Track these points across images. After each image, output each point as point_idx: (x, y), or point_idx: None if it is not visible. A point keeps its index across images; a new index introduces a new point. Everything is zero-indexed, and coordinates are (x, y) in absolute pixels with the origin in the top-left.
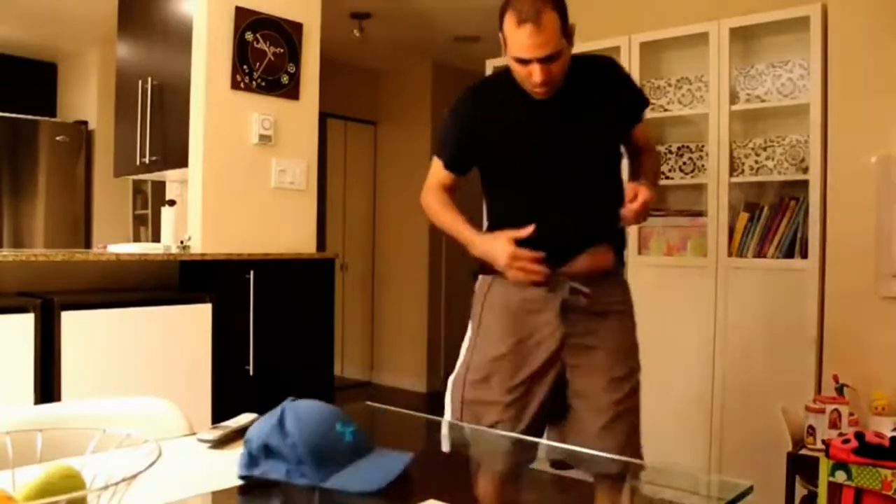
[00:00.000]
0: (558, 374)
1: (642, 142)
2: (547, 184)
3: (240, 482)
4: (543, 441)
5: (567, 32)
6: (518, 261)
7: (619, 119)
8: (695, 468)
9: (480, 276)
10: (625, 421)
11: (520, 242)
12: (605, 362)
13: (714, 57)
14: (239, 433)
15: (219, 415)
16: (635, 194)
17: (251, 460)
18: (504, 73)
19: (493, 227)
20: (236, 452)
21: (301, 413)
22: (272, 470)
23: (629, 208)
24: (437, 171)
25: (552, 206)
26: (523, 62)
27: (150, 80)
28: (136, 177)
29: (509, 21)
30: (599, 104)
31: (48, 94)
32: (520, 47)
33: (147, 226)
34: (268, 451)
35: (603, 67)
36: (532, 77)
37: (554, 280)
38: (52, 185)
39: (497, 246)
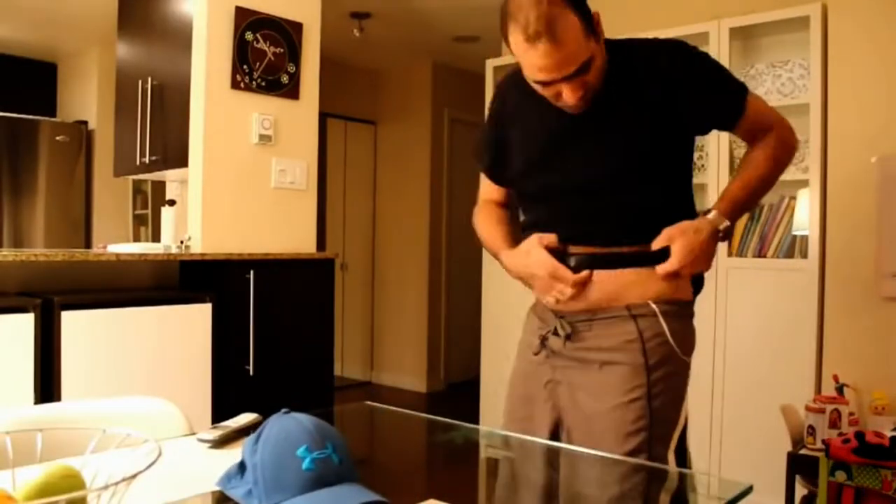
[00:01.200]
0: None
1: (751, 130)
2: (565, 204)
3: (216, 488)
4: (543, 441)
5: (593, 29)
6: (559, 280)
7: (671, 130)
8: (695, 468)
9: None
10: None
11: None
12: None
13: (714, 57)
14: (239, 433)
15: (219, 415)
16: (668, 243)
17: (231, 473)
18: None
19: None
20: (236, 452)
21: (273, 430)
22: (239, 486)
23: (659, 269)
24: (483, 182)
25: (569, 231)
26: (546, 84)
27: (150, 80)
28: (136, 177)
29: (515, 37)
30: (642, 112)
31: (48, 94)
32: (536, 70)
33: (147, 226)
34: (243, 467)
35: (656, 58)
36: (563, 99)
37: (546, 312)
38: (52, 185)
39: (533, 259)
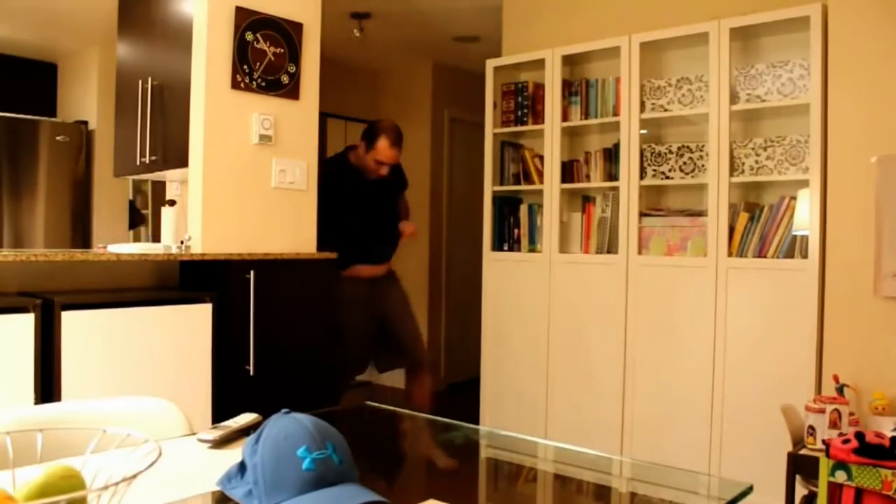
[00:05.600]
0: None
1: (404, 199)
2: (369, 218)
3: (216, 488)
4: (543, 441)
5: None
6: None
7: (400, 187)
8: (695, 468)
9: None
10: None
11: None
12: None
13: (714, 57)
14: (239, 433)
15: (219, 415)
16: (413, 228)
17: (231, 473)
18: (344, 156)
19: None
20: (236, 452)
21: (273, 430)
22: (239, 486)
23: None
24: None
25: (371, 231)
26: (386, 163)
27: (150, 80)
28: (136, 177)
29: (386, 141)
30: (393, 181)
31: (48, 94)
32: (388, 157)
33: (147, 226)
34: (243, 467)
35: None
36: (381, 171)
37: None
38: (52, 185)
39: None
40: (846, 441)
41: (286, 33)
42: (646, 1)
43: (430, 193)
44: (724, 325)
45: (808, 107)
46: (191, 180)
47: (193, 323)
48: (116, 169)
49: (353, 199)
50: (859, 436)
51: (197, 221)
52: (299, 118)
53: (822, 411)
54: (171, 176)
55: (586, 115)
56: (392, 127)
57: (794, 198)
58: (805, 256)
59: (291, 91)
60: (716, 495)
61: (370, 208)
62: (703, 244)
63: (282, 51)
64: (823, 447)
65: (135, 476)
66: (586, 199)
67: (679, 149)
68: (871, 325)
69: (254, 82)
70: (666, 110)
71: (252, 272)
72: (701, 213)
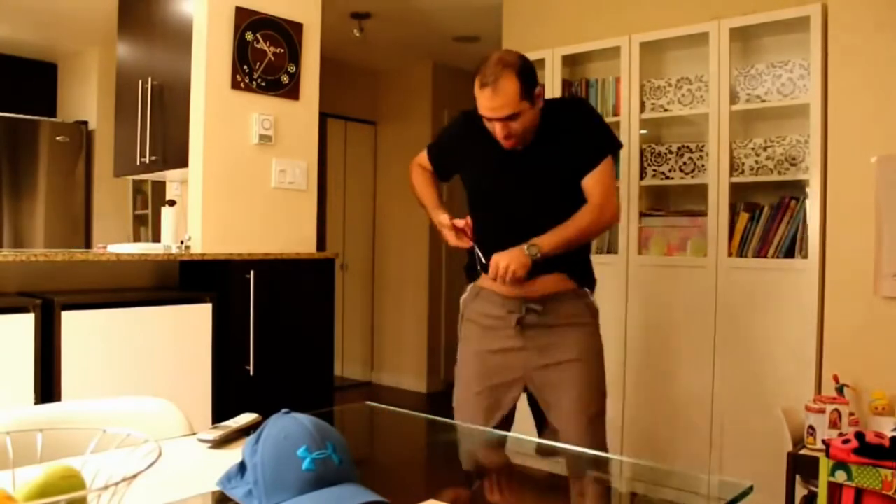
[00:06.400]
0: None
1: (588, 192)
2: (504, 213)
3: (216, 488)
4: (542, 441)
5: (532, 95)
6: (446, 228)
7: (575, 163)
8: (695, 468)
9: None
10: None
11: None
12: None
13: (714, 57)
14: (239, 433)
15: (219, 415)
16: (496, 266)
17: (231, 473)
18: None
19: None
20: (236, 452)
21: (273, 430)
22: (239, 486)
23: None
24: (424, 157)
25: (507, 233)
26: (487, 119)
27: (150, 80)
28: (136, 177)
29: (476, 82)
30: (559, 151)
31: (48, 94)
32: (481, 107)
33: (147, 226)
34: (243, 467)
35: (570, 112)
36: (495, 132)
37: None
38: (52, 185)
39: (441, 217)
40: (846, 441)
41: (286, 33)
42: (646, 1)
43: None
44: (724, 324)
45: (808, 107)
46: (191, 180)
47: (193, 323)
48: (116, 169)
49: (489, 171)
50: (859, 436)
51: (197, 221)
52: (299, 118)
53: (822, 411)
54: (171, 176)
55: None
56: (489, 60)
57: (794, 198)
58: (805, 256)
59: (291, 91)
60: (716, 495)
61: (511, 188)
62: (703, 244)
63: (282, 51)
64: (823, 447)
65: (135, 476)
66: None
67: (679, 149)
68: (871, 325)
69: (254, 82)
70: (666, 110)
71: (252, 272)
72: (701, 213)
